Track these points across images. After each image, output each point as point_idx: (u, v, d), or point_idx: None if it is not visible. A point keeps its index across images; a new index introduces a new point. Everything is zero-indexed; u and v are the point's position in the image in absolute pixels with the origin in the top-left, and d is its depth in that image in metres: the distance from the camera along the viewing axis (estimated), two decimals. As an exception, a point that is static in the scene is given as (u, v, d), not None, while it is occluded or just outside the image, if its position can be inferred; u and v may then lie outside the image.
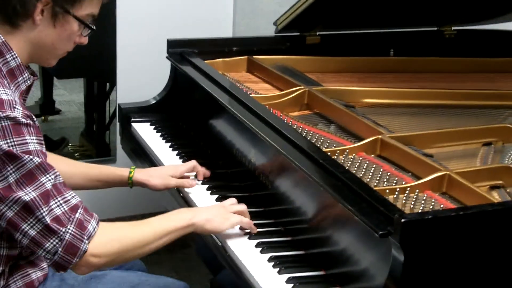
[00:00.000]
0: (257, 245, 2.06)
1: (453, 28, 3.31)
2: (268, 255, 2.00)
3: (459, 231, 1.71)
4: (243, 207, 2.14)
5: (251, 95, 2.66)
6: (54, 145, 4.41)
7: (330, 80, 2.96)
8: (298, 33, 3.12)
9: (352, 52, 3.10)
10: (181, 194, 2.39)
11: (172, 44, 2.94)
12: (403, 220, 1.65)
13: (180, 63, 2.87)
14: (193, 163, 2.44)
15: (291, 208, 2.13)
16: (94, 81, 4.15)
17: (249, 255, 2.01)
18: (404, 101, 2.76)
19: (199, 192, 2.37)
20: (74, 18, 1.90)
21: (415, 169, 2.17)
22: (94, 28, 1.96)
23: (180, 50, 2.94)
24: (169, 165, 2.50)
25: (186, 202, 2.35)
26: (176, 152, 2.66)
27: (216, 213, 2.07)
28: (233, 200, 2.17)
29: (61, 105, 5.19)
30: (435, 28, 3.30)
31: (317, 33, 3.14)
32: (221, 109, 2.51)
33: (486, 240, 1.74)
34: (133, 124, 2.88)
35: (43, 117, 4.92)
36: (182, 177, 2.41)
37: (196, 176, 2.44)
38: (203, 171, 2.44)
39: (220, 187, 2.38)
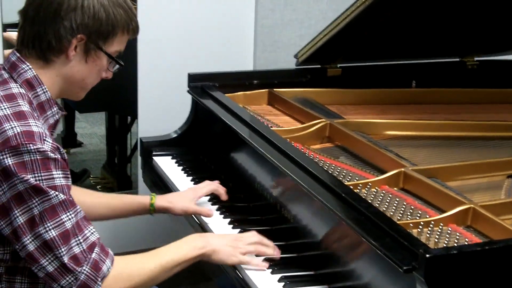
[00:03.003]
0: (280, 280, 2.03)
1: (476, 58, 3.27)
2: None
3: (485, 266, 1.69)
4: (260, 238, 2.12)
5: (272, 128, 2.65)
6: (76, 177, 4.43)
7: (351, 112, 2.95)
8: (319, 65, 3.10)
9: (373, 84, 3.09)
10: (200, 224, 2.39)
11: (193, 78, 2.95)
12: (428, 256, 1.63)
13: (201, 96, 2.87)
14: (210, 185, 2.47)
15: (314, 242, 2.10)
16: (115, 114, 4.16)
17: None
18: (426, 133, 2.75)
19: (219, 225, 2.35)
20: (105, 54, 1.95)
21: (439, 203, 2.15)
22: (122, 64, 2.02)
23: (201, 84, 2.93)
24: (189, 189, 2.51)
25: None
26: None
27: (228, 244, 2.07)
28: (252, 233, 2.16)
29: (83, 138, 5.23)
30: (457, 59, 3.26)
31: (338, 65, 3.11)
32: (241, 142, 2.51)
33: (513, 275, 1.71)
34: (154, 157, 2.87)
35: (65, 150, 4.94)
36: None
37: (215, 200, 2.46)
38: (223, 192, 2.47)
39: (241, 220, 2.37)
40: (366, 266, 1.86)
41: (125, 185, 4.07)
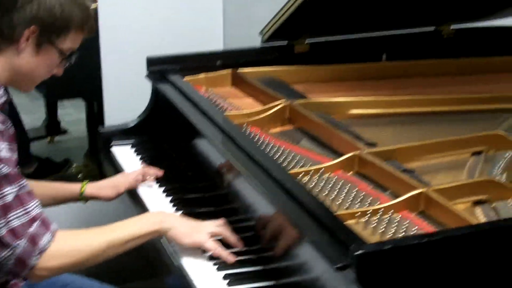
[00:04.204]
0: (225, 277, 1.92)
1: (452, 27, 3.11)
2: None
3: (425, 260, 1.55)
4: (223, 230, 2.02)
5: (231, 112, 2.53)
6: (57, 167, 4.36)
7: (319, 90, 2.82)
8: (286, 42, 2.96)
9: (343, 59, 2.94)
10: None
11: (152, 62, 2.82)
12: (357, 253, 1.50)
13: (159, 81, 2.74)
14: (141, 168, 2.46)
15: (260, 236, 1.98)
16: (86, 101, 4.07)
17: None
18: (395, 110, 2.60)
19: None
20: (57, 50, 1.97)
21: (393, 187, 2.02)
22: (73, 62, 2.05)
23: (160, 68, 2.80)
24: (119, 174, 2.50)
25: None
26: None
27: (187, 225, 2.00)
28: (219, 221, 2.06)
29: (69, 125, 5.15)
30: (432, 29, 3.10)
31: (306, 41, 2.97)
32: (197, 130, 2.38)
33: (457, 268, 1.57)
34: (113, 148, 2.75)
35: (49, 138, 4.87)
36: None
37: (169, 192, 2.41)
38: (154, 172, 2.45)
39: (194, 214, 2.24)
40: (307, 262, 1.75)
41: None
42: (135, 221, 1.99)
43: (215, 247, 1.97)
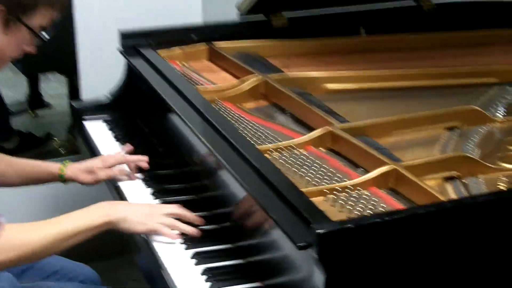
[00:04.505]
0: (193, 256, 1.88)
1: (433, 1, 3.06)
2: (203, 267, 1.83)
3: (388, 239, 1.51)
4: (180, 211, 1.97)
5: (204, 87, 2.49)
6: (39, 141, 4.32)
7: (296, 65, 2.78)
8: (264, 17, 2.90)
9: (322, 33, 2.89)
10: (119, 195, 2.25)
11: (125, 36, 2.77)
12: (318, 232, 1.46)
13: (132, 56, 2.69)
14: (121, 157, 2.34)
15: (229, 214, 1.95)
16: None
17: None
18: (372, 84, 2.56)
19: (140, 195, 2.21)
20: (26, 27, 1.97)
21: (364, 164, 1.98)
22: (45, 39, 2.04)
23: (134, 42, 2.75)
24: (97, 158, 2.38)
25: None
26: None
27: (140, 213, 1.92)
28: (174, 205, 2.00)
29: (53, 99, 5.10)
30: (413, 2, 3.05)
31: (284, 15, 2.92)
32: (168, 106, 2.34)
33: (422, 247, 1.54)
34: (85, 122, 2.71)
35: (32, 112, 4.83)
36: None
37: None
38: (135, 161, 2.32)
39: (164, 190, 2.21)
40: (274, 240, 1.71)
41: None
42: (83, 214, 1.90)
43: (169, 233, 1.91)
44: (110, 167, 2.30)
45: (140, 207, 1.98)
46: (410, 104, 2.46)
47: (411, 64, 2.76)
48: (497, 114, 2.33)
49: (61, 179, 2.32)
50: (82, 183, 2.32)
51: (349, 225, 1.49)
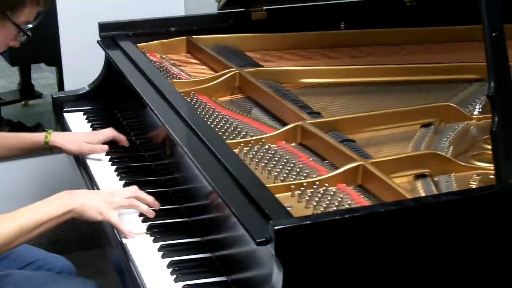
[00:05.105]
0: (160, 248, 1.88)
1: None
2: (168, 260, 1.83)
3: (347, 237, 1.50)
4: (137, 192, 1.98)
5: (180, 80, 2.47)
6: (29, 131, 4.27)
7: (275, 59, 2.76)
8: (242, 9, 2.88)
9: (301, 27, 2.86)
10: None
11: (104, 28, 2.75)
12: (276, 228, 1.44)
13: (110, 48, 2.67)
14: (110, 131, 2.39)
15: (195, 206, 1.93)
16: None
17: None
18: (348, 79, 2.53)
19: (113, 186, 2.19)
20: (13, 24, 2.01)
21: (333, 159, 1.96)
22: (30, 35, 2.09)
23: (112, 34, 2.73)
24: (87, 132, 2.46)
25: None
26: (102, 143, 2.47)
27: (100, 200, 1.92)
28: (131, 187, 2.02)
29: (45, 89, 5.06)
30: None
31: (263, 8, 2.89)
32: (141, 97, 2.32)
33: (382, 246, 1.52)
34: (65, 113, 2.69)
35: (23, 102, 4.81)
36: None
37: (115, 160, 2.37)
38: (123, 138, 2.40)
39: (137, 182, 2.18)
40: (239, 235, 1.69)
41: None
42: (44, 205, 1.89)
43: (117, 224, 1.92)
44: (97, 143, 2.35)
45: (99, 195, 1.98)
46: (389, 99, 2.43)
47: (391, 59, 2.75)
48: (475, 111, 2.30)
49: (47, 146, 2.35)
50: (67, 152, 2.37)
51: (307, 221, 1.47)
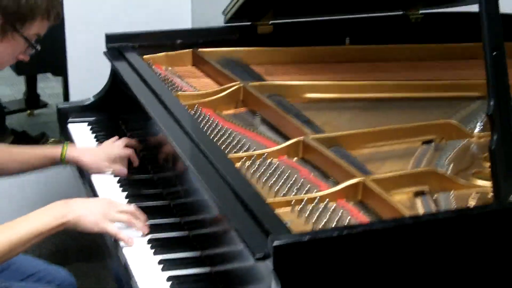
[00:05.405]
0: (160, 262, 1.89)
1: (421, 11, 3.05)
2: (168, 273, 1.83)
3: (345, 253, 1.51)
4: (134, 209, 1.99)
5: (184, 92, 2.49)
6: (33, 141, 4.32)
7: (280, 72, 2.77)
8: (249, 23, 2.90)
9: (307, 42, 2.88)
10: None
11: (111, 39, 2.77)
12: (275, 243, 1.46)
13: (116, 59, 2.69)
14: (128, 151, 2.37)
15: (197, 220, 1.95)
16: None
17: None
18: (352, 95, 2.55)
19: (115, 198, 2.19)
20: (22, 37, 2.00)
21: (335, 175, 1.97)
22: (39, 48, 2.08)
23: (119, 45, 2.75)
24: (103, 147, 2.40)
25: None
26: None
27: (97, 211, 1.91)
28: (129, 205, 2.03)
29: (51, 98, 5.10)
30: (400, 12, 3.04)
31: (270, 21, 2.91)
32: (145, 109, 2.34)
33: (380, 262, 1.53)
34: (69, 124, 2.71)
35: (28, 111, 4.84)
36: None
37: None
38: (136, 160, 2.38)
39: (139, 195, 2.21)
40: (239, 250, 1.70)
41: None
42: (39, 215, 1.87)
43: (116, 232, 1.92)
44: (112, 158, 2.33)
45: (97, 205, 1.95)
46: (391, 115, 2.45)
47: (395, 75, 2.76)
48: (477, 128, 2.31)
49: (63, 158, 2.33)
50: (85, 166, 2.33)
51: (306, 237, 1.48)
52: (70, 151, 2.33)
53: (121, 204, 2.00)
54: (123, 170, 2.32)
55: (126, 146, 2.39)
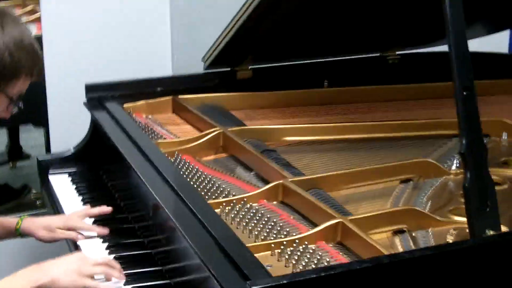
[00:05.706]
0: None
1: (397, 52, 3.09)
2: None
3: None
4: (106, 259, 1.98)
5: (164, 140, 2.51)
6: (15, 193, 4.30)
7: (259, 117, 2.80)
8: (228, 68, 2.93)
9: (286, 85, 2.91)
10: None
11: (91, 89, 2.79)
12: (252, 288, 1.47)
13: (96, 109, 2.71)
14: (84, 212, 2.32)
15: (178, 267, 1.95)
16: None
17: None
18: (331, 136, 2.58)
19: (96, 250, 2.20)
20: (6, 96, 2.01)
21: (314, 217, 1.99)
22: (22, 106, 2.10)
23: (99, 95, 2.77)
24: (60, 216, 2.38)
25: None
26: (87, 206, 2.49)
27: (71, 270, 1.88)
28: (102, 257, 2.02)
29: (34, 149, 5.08)
30: (378, 54, 3.08)
31: (249, 67, 2.94)
32: (124, 158, 2.35)
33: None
34: (50, 176, 2.72)
35: (11, 163, 4.83)
36: None
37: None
38: (102, 211, 2.33)
39: (121, 245, 2.21)
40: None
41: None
42: (11, 283, 1.82)
43: (95, 285, 1.91)
44: (71, 229, 2.27)
45: (69, 264, 1.91)
46: (370, 156, 2.47)
47: (373, 115, 2.80)
48: (453, 166, 2.34)
49: (17, 233, 2.29)
50: (39, 240, 2.29)
51: (283, 281, 1.49)
52: (24, 225, 2.29)
53: (93, 257, 1.97)
54: (81, 236, 2.27)
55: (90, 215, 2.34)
